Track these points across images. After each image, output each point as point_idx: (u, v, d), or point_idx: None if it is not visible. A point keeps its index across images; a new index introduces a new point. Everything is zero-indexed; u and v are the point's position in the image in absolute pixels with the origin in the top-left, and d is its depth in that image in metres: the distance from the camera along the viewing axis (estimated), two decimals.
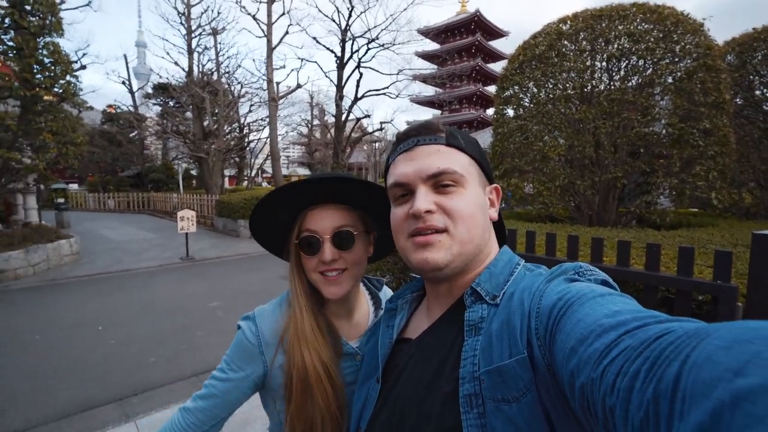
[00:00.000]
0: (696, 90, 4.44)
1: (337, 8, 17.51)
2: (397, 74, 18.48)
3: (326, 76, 19.02)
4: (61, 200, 13.78)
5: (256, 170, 28.78)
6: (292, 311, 0.82)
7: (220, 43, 18.94)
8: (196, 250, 9.70)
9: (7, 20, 7.28)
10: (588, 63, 5.07)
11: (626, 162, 4.85)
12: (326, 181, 0.78)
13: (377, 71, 18.69)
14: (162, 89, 23.03)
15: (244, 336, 0.82)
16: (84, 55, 11.67)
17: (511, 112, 5.92)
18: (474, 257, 0.60)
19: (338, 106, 18.77)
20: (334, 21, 17.91)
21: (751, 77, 6.07)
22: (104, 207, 22.04)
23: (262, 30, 16.22)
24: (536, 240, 2.58)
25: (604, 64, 5.06)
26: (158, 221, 16.66)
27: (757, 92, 6.16)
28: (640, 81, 4.85)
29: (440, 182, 0.58)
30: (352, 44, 18.22)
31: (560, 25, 5.32)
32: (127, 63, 24.61)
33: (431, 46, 39.54)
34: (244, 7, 16.17)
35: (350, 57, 18.46)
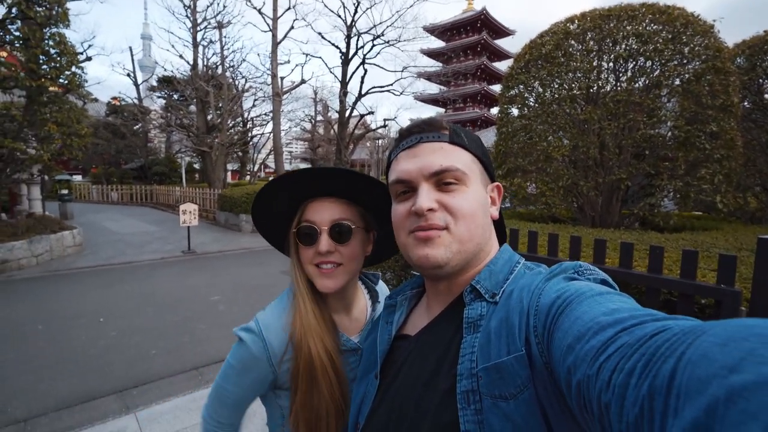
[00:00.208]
0: (704, 92, 4.40)
1: (343, 4, 17.46)
2: (402, 71, 18.43)
3: (331, 72, 18.98)
4: (64, 191, 13.85)
5: (258, 165, 28.79)
6: (296, 301, 0.82)
7: (225, 37, 18.90)
8: (198, 243, 9.73)
9: (14, 10, 7.29)
10: (595, 63, 5.03)
11: (631, 164, 4.82)
12: (328, 172, 0.79)
13: (382, 68, 18.65)
14: (166, 82, 23.05)
15: (250, 353, 0.79)
16: (90, 46, 11.69)
17: (515, 112, 5.89)
18: (474, 255, 0.60)
19: (342, 102, 18.74)
20: (339, 16, 17.88)
21: (761, 80, 6.02)
22: (107, 199, 22.13)
23: (268, 24, 16.18)
24: (538, 240, 2.57)
25: (611, 64, 5.02)
26: (161, 214, 16.71)
27: (767, 96, 6.10)
28: (647, 82, 4.81)
29: (443, 180, 0.59)
30: (357, 40, 18.17)
31: (567, 25, 5.28)
32: (132, 55, 24.61)
33: (437, 43, 39.42)
34: (249, 1, 16.12)
35: (355, 53, 18.41)
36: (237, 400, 0.83)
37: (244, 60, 28.78)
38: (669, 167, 4.69)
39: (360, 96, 18.45)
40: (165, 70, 20.86)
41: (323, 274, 0.80)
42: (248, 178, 27.08)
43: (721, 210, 4.51)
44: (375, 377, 0.65)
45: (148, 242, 10.06)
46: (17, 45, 7.54)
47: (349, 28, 17.80)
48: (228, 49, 20.50)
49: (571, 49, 5.17)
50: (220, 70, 18.93)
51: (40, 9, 7.53)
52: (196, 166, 27.83)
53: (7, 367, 3.51)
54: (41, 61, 7.62)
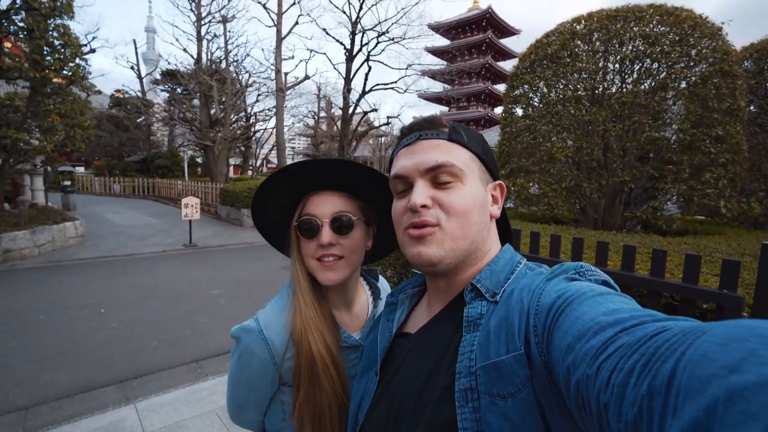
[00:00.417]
0: (710, 95, 4.37)
1: (348, 0, 17.38)
2: (406, 69, 18.37)
3: (335, 68, 18.95)
4: (67, 183, 13.88)
5: (261, 160, 28.80)
6: (296, 298, 0.81)
7: (229, 32, 18.89)
8: (200, 237, 9.75)
9: (18, 0, 7.28)
10: (601, 64, 5.01)
11: (634, 166, 4.80)
12: (327, 164, 0.79)
13: (386, 65, 18.60)
14: (170, 76, 23.03)
15: (253, 354, 0.78)
16: (94, 38, 11.68)
17: (519, 112, 5.87)
18: (469, 254, 0.60)
19: (346, 98, 18.70)
20: (344, 13, 17.79)
21: None
22: (110, 191, 22.17)
23: (272, 19, 16.15)
24: (540, 241, 2.57)
25: (617, 65, 4.99)
26: (162, 207, 16.75)
27: None
28: (653, 84, 4.79)
29: (438, 176, 0.59)
30: (362, 37, 18.11)
31: (574, 25, 5.25)
32: (136, 48, 24.62)
33: (441, 41, 39.24)
34: None
35: (359, 50, 18.36)
36: (256, 403, 0.84)
37: (248, 55, 28.90)
38: (673, 171, 4.66)
39: (364, 93, 18.41)
40: (169, 63, 20.90)
41: (325, 267, 0.80)
42: (250, 173, 27.10)
43: (724, 215, 4.49)
44: (375, 374, 0.66)
45: (149, 235, 10.09)
46: (21, 36, 7.54)
47: (354, 24, 17.74)
48: (232, 43, 20.51)
49: (577, 50, 5.14)
50: (224, 65, 18.91)
51: (45, 0, 7.52)
52: (199, 160, 27.86)
53: (9, 357, 3.54)
54: (45, 53, 7.62)
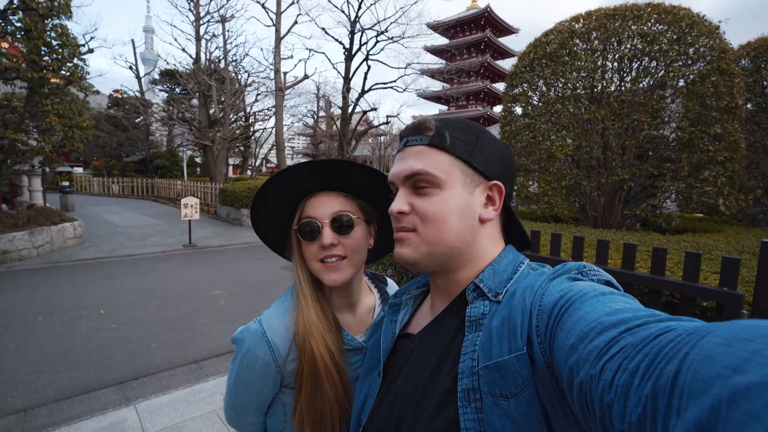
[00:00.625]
0: (708, 94, 4.38)
1: None
2: (405, 68, 18.36)
3: (334, 68, 18.92)
4: (65, 183, 13.88)
5: (260, 160, 28.77)
6: (298, 301, 0.81)
7: (228, 31, 18.81)
8: (199, 237, 9.74)
9: (15, 0, 7.26)
10: (599, 63, 5.01)
11: (634, 164, 4.81)
12: (321, 165, 0.79)
13: (385, 64, 18.59)
14: (169, 75, 22.99)
15: (255, 356, 0.78)
16: (92, 38, 11.67)
17: (519, 110, 5.87)
18: (451, 257, 0.59)
19: (345, 98, 18.68)
20: (343, 12, 17.77)
21: (765, 82, 5.99)
22: (108, 191, 22.14)
23: (271, 19, 16.12)
24: (540, 240, 2.57)
25: (615, 64, 4.99)
26: (162, 207, 16.73)
27: None
28: (651, 83, 4.79)
29: (417, 183, 0.60)
30: (361, 36, 18.09)
31: (573, 24, 5.25)
32: (134, 48, 24.57)
33: (440, 40, 39.22)
34: None
35: (359, 49, 18.34)
36: (257, 406, 0.84)
37: (247, 54, 28.69)
38: (672, 168, 4.67)
39: (363, 92, 18.39)
40: (167, 63, 20.85)
41: (329, 268, 0.80)
42: (249, 172, 27.07)
43: (723, 212, 4.50)
44: (378, 375, 0.66)
45: (149, 235, 10.08)
46: (19, 36, 7.52)
47: (353, 24, 17.72)
48: (231, 43, 20.46)
49: (575, 48, 5.15)
50: (222, 64, 18.87)
51: (42, 0, 7.49)
52: (198, 160, 27.86)
53: (7, 358, 3.53)
54: (43, 53, 7.60)
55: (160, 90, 26.41)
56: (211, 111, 18.98)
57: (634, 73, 4.90)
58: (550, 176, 5.22)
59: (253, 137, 25.90)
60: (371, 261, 0.94)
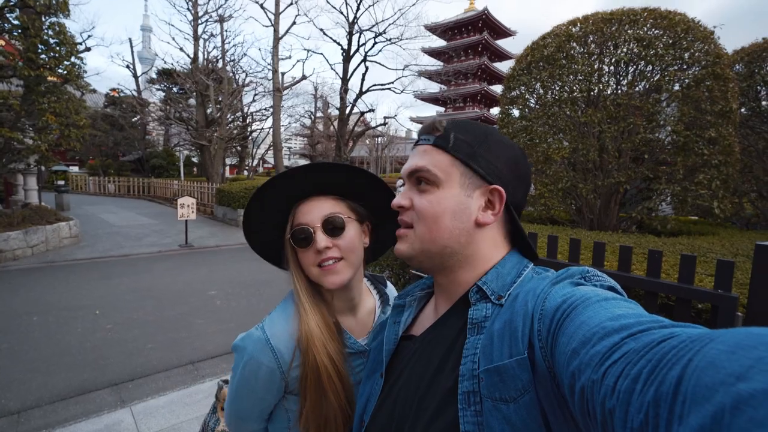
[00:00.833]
0: (703, 98, 4.42)
1: (346, 0, 17.38)
2: (403, 69, 18.38)
3: (332, 69, 18.93)
4: (61, 182, 13.77)
5: (257, 160, 28.71)
6: (298, 310, 0.81)
7: (226, 31, 18.77)
8: (196, 237, 9.70)
9: None
10: (596, 66, 5.04)
11: (629, 167, 4.84)
12: (302, 171, 0.79)
13: (383, 66, 18.62)
14: (166, 75, 22.93)
15: (259, 364, 0.78)
16: (89, 36, 11.61)
17: (516, 113, 5.90)
18: (445, 257, 0.60)
19: (343, 99, 18.69)
20: (342, 13, 17.79)
21: (758, 87, 6.06)
22: (104, 191, 22.01)
23: (269, 19, 16.09)
24: (537, 242, 2.59)
25: (612, 68, 5.03)
26: (158, 207, 16.65)
27: (764, 102, 6.15)
28: (647, 86, 4.83)
29: (418, 180, 0.62)
30: (359, 37, 18.10)
31: (570, 27, 5.28)
32: (132, 47, 24.44)
33: (438, 42, 39.36)
34: None
35: (357, 50, 18.36)
36: (260, 413, 0.84)
37: (245, 54, 28.72)
38: (667, 171, 4.71)
39: (361, 93, 18.40)
40: (165, 62, 20.80)
41: (327, 272, 0.80)
42: (246, 173, 27.00)
43: (717, 215, 4.54)
44: (380, 376, 0.66)
45: (145, 235, 10.02)
46: (16, 34, 7.47)
47: (351, 25, 17.74)
48: (229, 43, 20.43)
49: (572, 52, 5.18)
50: (220, 64, 18.83)
51: None
52: (195, 159, 27.76)
53: (1, 359, 3.50)
54: (40, 51, 7.55)
55: (158, 89, 26.33)
56: (209, 111, 18.91)
57: (630, 77, 4.94)
58: (546, 178, 5.25)
59: (250, 137, 25.83)
60: (370, 260, 0.94)
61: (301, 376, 0.78)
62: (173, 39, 26.25)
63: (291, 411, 0.82)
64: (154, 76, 25.76)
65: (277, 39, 15.89)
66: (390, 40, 18.04)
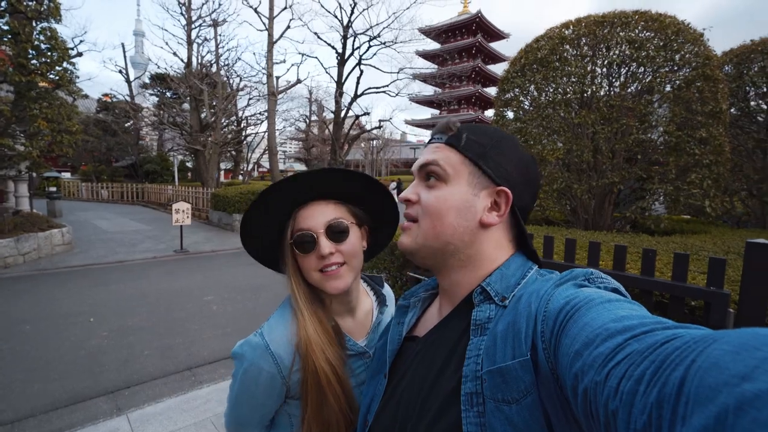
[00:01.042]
0: (694, 99, 4.49)
1: (340, 4, 17.46)
2: (398, 73, 18.47)
3: (326, 72, 18.95)
4: (53, 189, 13.65)
5: (252, 164, 28.63)
6: (296, 315, 0.81)
7: (220, 35, 18.80)
8: (191, 243, 9.64)
9: (3, 3, 7.17)
10: (589, 68, 5.10)
11: (623, 168, 4.89)
12: (307, 176, 0.79)
13: (378, 69, 18.68)
14: (159, 79, 22.80)
15: (259, 370, 0.78)
16: (81, 41, 11.52)
17: (511, 115, 5.95)
18: (447, 254, 0.60)
19: (337, 102, 18.73)
20: (336, 17, 17.86)
21: (747, 88, 6.15)
22: (97, 197, 21.82)
23: (264, 23, 16.13)
24: (534, 243, 2.60)
25: (604, 69, 5.09)
26: (152, 213, 16.53)
27: (753, 103, 6.24)
28: (639, 88, 4.90)
29: (427, 175, 0.63)
30: (354, 41, 18.19)
31: (563, 30, 5.34)
32: (124, 52, 24.33)
33: (432, 45, 39.62)
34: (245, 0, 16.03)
35: (351, 54, 18.42)
36: (260, 419, 0.84)
37: (239, 59, 28.76)
38: (660, 171, 4.77)
39: (356, 96, 18.45)
40: (158, 67, 20.70)
41: (330, 277, 0.80)
42: (241, 177, 26.90)
43: (709, 214, 4.60)
44: (384, 377, 0.66)
45: (139, 241, 9.95)
46: (6, 39, 7.41)
47: (346, 28, 17.81)
48: (223, 47, 20.41)
49: (566, 54, 5.24)
50: (214, 69, 18.78)
51: (31, 2, 7.41)
52: (189, 164, 27.60)
53: None
54: (31, 56, 7.49)
55: (151, 94, 26.18)
56: (203, 115, 18.85)
57: (622, 79, 5.00)
58: (541, 179, 5.29)
59: (245, 142, 25.76)
60: (366, 260, 0.95)
61: (302, 381, 0.78)
62: (166, 44, 26.18)
63: (294, 416, 0.82)
64: (147, 80, 25.61)
65: (271, 43, 15.91)
66: (384, 43, 18.14)
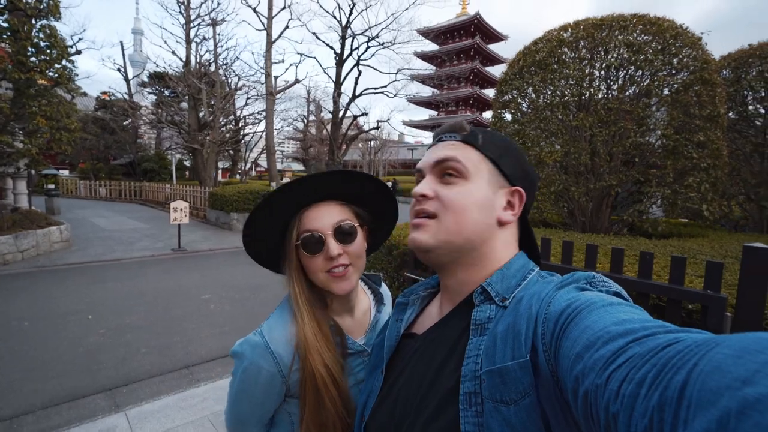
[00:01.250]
0: (692, 102, 4.52)
1: (339, 4, 17.46)
2: (396, 74, 18.50)
3: (325, 73, 18.98)
4: (51, 186, 13.58)
5: (250, 164, 28.58)
6: (295, 316, 0.82)
7: (218, 35, 18.72)
8: (189, 241, 9.62)
9: (2, 1, 7.14)
10: (587, 71, 5.13)
11: (621, 171, 4.92)
12: (314, 179, 0.80)
13: (376, 70, 18.70)
14: (158, 78, 22.75)
15: (259, 368, 0.78)
16: (80, 39, 11.52)
17: (509, 117, 5.97)
18: (465, 251, 0.60)
19: (336, 102, 18.73)
20: (334, 17, 17.87)
21: (745, 92, 6.19)
22: (95, 195, 21.73)
23: (262, 23, 16.12)
24: None
25: (602, 72, 5.12)
26: (150, 211, 16.48)
27: (750, 107, 6.28)
28: (637, 91, 4.93)
29: (444, 171, 0.62)
30: (352, 41, 18.20)
31: (561, 33, 5.37)
32: (123, 50, 24.27)
33: (430, 46, 39.68)
34: None
35: (350, 54, 18.43)
36: (260, 418, 0.84)
37: (237, 58, 28.83)
38: (657, 175, 4.79)
39: (354, 97, 18.46)
40: (157, 65, 20.67)
41: (337, 278, 0.81)
42: (239, 176, 26.86)
43: (707, 218, 4.63)
44: (381, 373, 0.66)
45: (137, 239, 9.92)
46: (5, 36, 7.38)
47: (344, 29, 17.81)
48: (221, 46, 20.36)
49: (564, 57, 5.26)
50: (213, 68, 18.76)
51: (30, 0, 7.39)
52: (187, 163, 27.53)
53: None
54: (30, 54, 7.48)
55: (149, 92, 26.13)
56: (201, 114, 18.81)
57: (620, 82, 5.03)
58: (539, 182, 5.31)
59: (243, 141, 25.73)
60: None
61: (300, 382, 0.79)
62: (165, 42, 26.06)
63: (294, 414, 0.83)
64: (145, 79, 25.54)
65: (270, 43, 15.90)
66: (383, 44, 18.16)
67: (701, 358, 0.27)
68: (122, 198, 21.06)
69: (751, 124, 6.33)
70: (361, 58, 18.32)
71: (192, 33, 18.51)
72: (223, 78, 19.60)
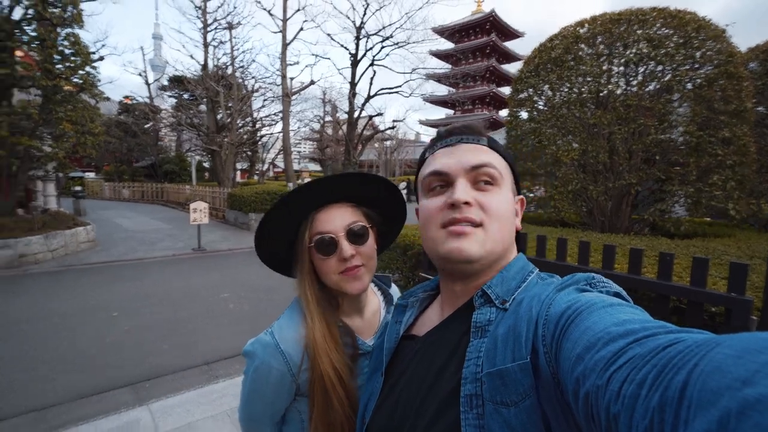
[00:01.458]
0: (716, 97, 4.36)
1: (353, 5, 17.51)
2: (411, 73, 18.42)
3: (339, 73, 19.08)
4: (78, 188, 14.11)
5: (267, 164, 29.01)
6: (305, 318, 0.83)
7: (235, 38, 19.11)
8: (208, 241, 9.85)
9: (30, 12, 7.47)
10: (605, 67, 5.02)
11: (641, 169, 4.79)
12: (338, 180, 0.82)
13: (391, 69, 18.67)
14: (177, 82, 23.34)
15: (270, 368, 0.80)
16: (102, 46, 11.93)
17: (525, 115, 5.89)
18: (499, 259, 0.61)
19: (351, 103, 18.81)
20: (348, 18, 17.92)
21: None
22: (119, 196, 22.46)
23: (277, 25, 16.33)
24: (547, 245, 2.58)
25: (621, 68, 5.00)
26: (171, 212, 16.93)
27: None
28: (658, 87, 4.79)
29: (479, 177, 0.60)
30: (367, 42, 18.21)
31: (577, 29, 5.27)
32: (143, 55, 25.00)
33: (445, 45, 39.41)
34: (259, 2, 16.27)
35: (364, 54, 18.46)
36: (271, 416, 0.86)
37: (253, 61, 29.24)
38: (680, 173, 4.65)
39: (369, 97, 18.49)
40: (176, 69, 21.16)
41: (351, 278, 0.82)
42: (257, 177, 27.29)
43: (733, 217, 4.47)
44: (381, 375, 0.67)
45: (159, 239, 10.21)
46: (33, 45, 7.73)
47: (359, 29, 17.86)
48: (238, 49, 20.71)
49: (581, 53, 5.16)
50: (230, 71, 19.10)
51: (56, 10, 7.70)
52: (206, 164, 28.13)
53: (26, 359, 3.62)
54: (56, 61, 7.80)
55: (169, 96, 26.85)
56: (219, 116, 19.21)
57: (640, 77, 4.90)
58: (556, 181, 5.23)
59: (260, 142, 26.14)
60: None
61: (309, 382, 0.80)
62: (183, 47, 26.93)
63: (304, 413, 0.84)
64: (165, 83, 26.26)
65: (285, 45, 16.10)
66: (397, 43, 18.11)
67: (702, 359, 0.27)
68: (144, 199, 21.70)
69: None
70: (376, 58, 18.33)
71: (209, 37, 18.90)
72: (240, 80, 19.94)
